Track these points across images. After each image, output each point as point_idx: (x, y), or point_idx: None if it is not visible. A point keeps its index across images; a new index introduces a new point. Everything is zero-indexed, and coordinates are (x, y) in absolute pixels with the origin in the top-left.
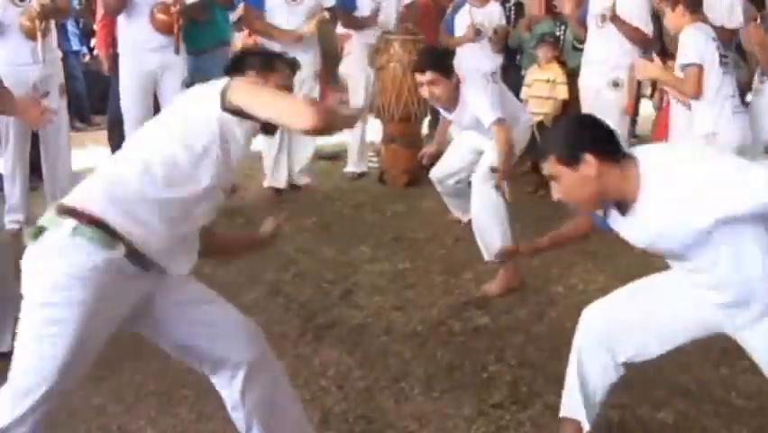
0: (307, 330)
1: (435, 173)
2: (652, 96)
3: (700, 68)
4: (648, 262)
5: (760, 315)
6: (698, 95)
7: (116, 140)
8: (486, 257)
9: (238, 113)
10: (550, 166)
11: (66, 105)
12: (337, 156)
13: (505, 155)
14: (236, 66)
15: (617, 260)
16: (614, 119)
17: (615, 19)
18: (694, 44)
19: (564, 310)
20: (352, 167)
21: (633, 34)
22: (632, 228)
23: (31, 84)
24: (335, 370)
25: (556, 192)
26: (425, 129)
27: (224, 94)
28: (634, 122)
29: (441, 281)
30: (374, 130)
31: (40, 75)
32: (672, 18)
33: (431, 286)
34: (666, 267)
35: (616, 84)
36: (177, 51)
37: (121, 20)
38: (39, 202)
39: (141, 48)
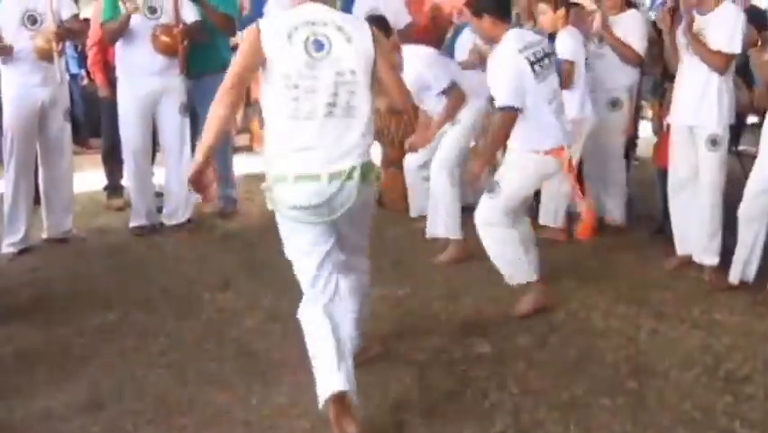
0: (306, 357)
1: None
2: (652, 119)
3: (573, 64)
4: (650, 285)
5: None
6: (569, 86)
7: (111, 163)
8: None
9: None
10: None
11: (70, 127)
12: None
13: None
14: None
15: (617, 283)
16: (614, 139)
17: (608, 33)
18: (570, 44)
19: (566, 337)
20: None
21: (625, 51)
22: None
23: (39, 105)
24: None
25: None
26: None
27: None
28: (634, 144)
29: (441, 308)
30: (373, 154)
31: (49, 96)
32: (551, 19)
33: (431, 312)
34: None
35: (614, 104)
36: (182, 71)
37: (119, 45)
38: (36, 225)
39: (141, 71)
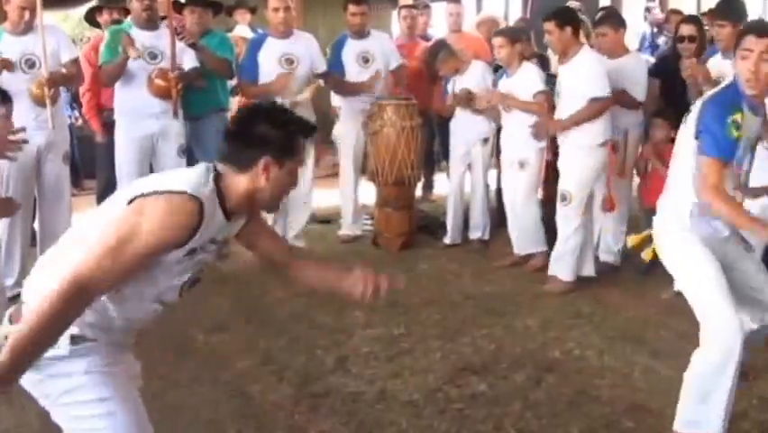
0: (301, 400)
1: None
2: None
3: (546, 93)
4: (644, 322)
5: None
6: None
7: None
8: None
9: None
10: None
11: (68, 171)
12: (332, 219)
13: None
14: None
15: (612, 322)
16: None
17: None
18: (538, 76)
19: (561, 375)
20: (346, 230)
21: (619, 97)
22: None
23: (35, 149)
24: None
25: None
26: (418, 192)
27: None
28: None
29: (437, 347)
30: (368, 193)
31: (45, 141)
32: (508, 53)
33: (427, 352)
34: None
35: (612, 147)
36: (175, 115)
37: (118, 87)
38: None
39: (139, 114)
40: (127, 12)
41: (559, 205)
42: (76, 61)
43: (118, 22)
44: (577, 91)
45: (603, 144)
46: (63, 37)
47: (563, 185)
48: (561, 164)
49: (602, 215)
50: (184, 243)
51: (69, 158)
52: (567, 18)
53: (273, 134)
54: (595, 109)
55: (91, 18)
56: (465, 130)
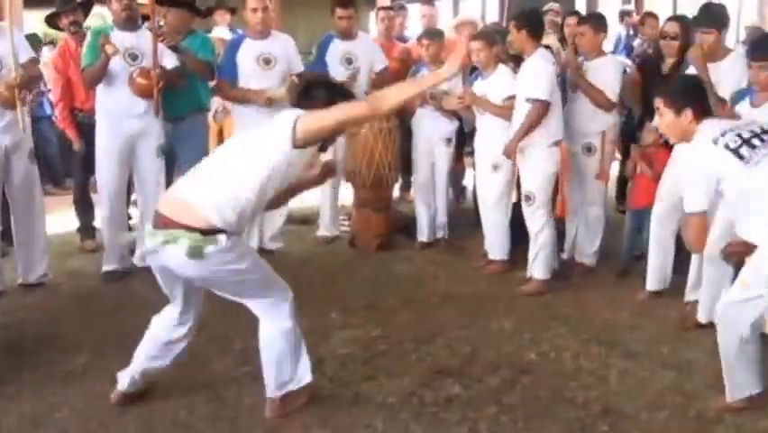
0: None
1: None
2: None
3: (513, 98)
4: (619, 325)
5: None
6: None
7: (83, 205)
8: None
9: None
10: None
11: (37, 170)
12: (309, 220)
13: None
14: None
15: (588, 324)
16: (590, 184)
17: (581, 79)
18: (510, 80)
19: (537, 378)
20: (323, 231)
21: (596, 97)
22: None
23: (3, 151)
24: None
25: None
26: (395, 193)
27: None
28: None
29: (412, 349)
30: (346, 194)
31: (11, 141)
32: (485, 57)
33: (402, 354)
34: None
35: (589, 149)
36: (156, 114)
37: (99, 88)
38: (10, 267)
39: (121, 114)
40: (86, 13)
41: (524, 205)
42: (34, 61)
43: (77, 23)
44: (520, 92)
45: (555, 144)
46: (20, 38)
47: (525, 186)
48: (520, 166)
49: (576, 216)
50: None
51: (35, 155)
52: (525, 21)
53: None
54: (533, 114)
55: (51, 21)
56: (427, 129)
